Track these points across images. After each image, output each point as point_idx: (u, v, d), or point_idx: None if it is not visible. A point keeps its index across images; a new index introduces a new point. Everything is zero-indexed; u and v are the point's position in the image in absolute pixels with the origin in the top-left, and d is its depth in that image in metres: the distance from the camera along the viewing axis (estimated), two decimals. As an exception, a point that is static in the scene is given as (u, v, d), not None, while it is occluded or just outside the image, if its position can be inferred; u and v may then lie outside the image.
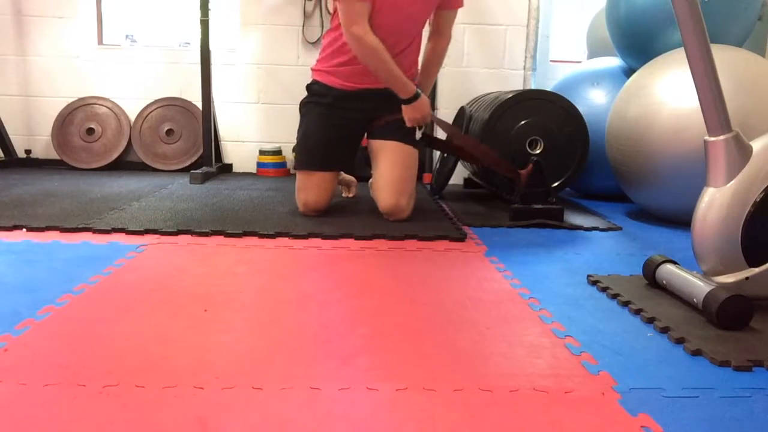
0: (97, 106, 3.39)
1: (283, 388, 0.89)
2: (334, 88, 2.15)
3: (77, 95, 3.39)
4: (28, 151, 3.45)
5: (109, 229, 1.85)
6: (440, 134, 2.80)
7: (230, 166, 3.46)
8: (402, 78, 2.01)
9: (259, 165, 3.36)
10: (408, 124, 2.08)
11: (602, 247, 1.87)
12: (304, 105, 2.24)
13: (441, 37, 2.22)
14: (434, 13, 2.17)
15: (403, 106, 2.05)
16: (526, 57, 3.24)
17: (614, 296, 1.35)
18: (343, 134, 2.17)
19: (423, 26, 2.18)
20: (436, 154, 3.11)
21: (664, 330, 1.15)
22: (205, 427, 0.78)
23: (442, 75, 3.23)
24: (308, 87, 2.24)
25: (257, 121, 3.43)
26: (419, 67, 2.26)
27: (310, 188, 2.14)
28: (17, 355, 0.97)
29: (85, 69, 3.40)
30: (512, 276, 1.51)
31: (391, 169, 2.10)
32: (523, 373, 0.96)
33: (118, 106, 3.38)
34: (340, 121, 2.15)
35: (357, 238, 1.85)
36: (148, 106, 3.39)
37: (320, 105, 2.18)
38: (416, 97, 2.03)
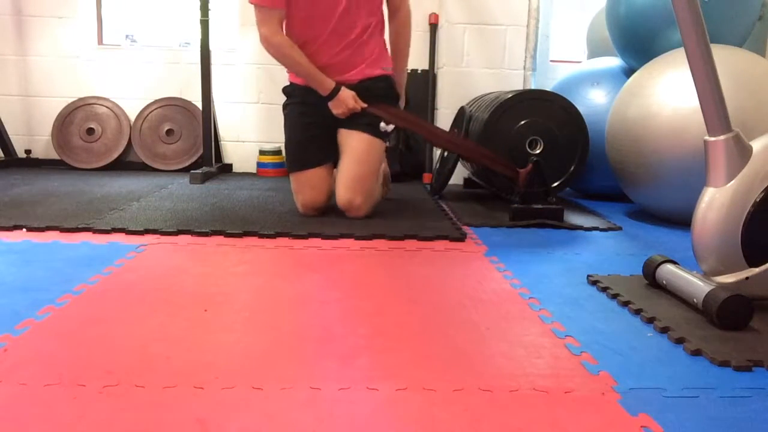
0: (97, 106, 3.39)
1: (283, 388, 0.89)
2: (303, 87, 2.17)
3: (77, 95, 3.39)
4: (28, 151, 3.45)
5: (109, 229, 1.85)
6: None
7: (230, 166, 3.46)
8: (317, 75, 2.06)
9: (259, 165, 3.36)
10: (340, 117, 2.12)
11: (602, 247, 1.87)
12: (284, 108, 2.27)
13: (397, 11, 2.21)
14: None
15: (328, 103, 2.11)
16: (526, 57, 3.24)
17: (614, 296, 1.35)
18: (322, 130, 2.18)
19: (377, 9, 2.18)
20: (436, 154, 3.11)
21: (664, 330, 1.15)
22: (205, 427, 0.78)
23: (442, 75, 3.23)
24: (284, 90, 2.27)
25: (257, 121, 3.43)
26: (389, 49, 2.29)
27: (305, 188, 2.16)
28: (17, 355, 0.97)
29: (85, 69, 3.40)
30: (512, 276, 1.51)
31: (350, 165, 2.11)
32: (523, 373, 0.96)
33: (118, 106, 3.39)
34: (317, 118, 2.18)
35: (357, 238, 1.85)
36: (148, 106, 3.39)
37: (296, 105, 2.22)
38: (336, 92, 2.07)
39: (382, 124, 2.15)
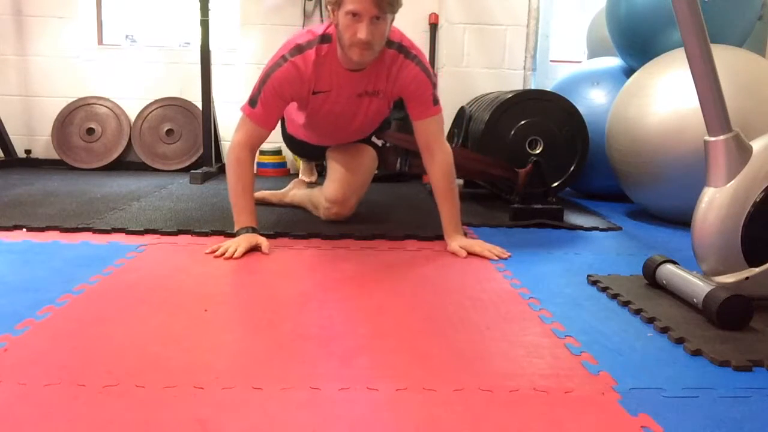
0: (97, 106, 3.39)
1: (283, 388, 0.89)
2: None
3: (77, 95, 3.40)
4: (28, 151, 3.45)
5: (109, 229, 1.85)
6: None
7: (230, 166, 3.46)
8: (238, 207, 1.76)
9: (259, 165, 3.36)
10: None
11: (602, 247, 1.87)
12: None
13: (430, 155, 1.82)
14: (413, 125, 1.87)
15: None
16: (526, 57, 3.24)
17: (614, 296, 1.35)
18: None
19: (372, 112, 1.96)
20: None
21: (664, 330, 1.15)
22: (205, 427, 0.78)
23: (442, 75, 3.23)
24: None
25: (257, 121, 3.42)
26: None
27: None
28: (17, 355, 0.97)
29: (85, 69, 3.41)
30: (512, 276, 1.51)
31: (342, 163, 2.05)
32: (523, 373, 0.96)
33: (118, 106, 3.39)
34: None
35: (357, 238, 1.85)
36: (148, 106, 3.39)
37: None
38: (237, 233, 1.72)
39: (374, 138, 2.17)
